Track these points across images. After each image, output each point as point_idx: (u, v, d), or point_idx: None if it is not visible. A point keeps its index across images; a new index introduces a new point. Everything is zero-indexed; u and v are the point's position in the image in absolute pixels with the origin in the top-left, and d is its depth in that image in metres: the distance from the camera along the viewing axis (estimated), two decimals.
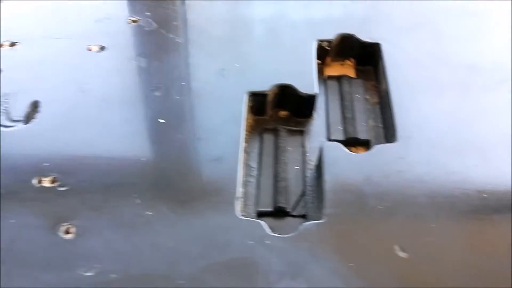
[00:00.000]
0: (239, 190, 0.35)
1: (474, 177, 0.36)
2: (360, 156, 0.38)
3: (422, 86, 0.43)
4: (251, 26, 0.48)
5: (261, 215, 0.37)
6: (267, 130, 0.43)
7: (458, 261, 0.32)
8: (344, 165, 0.37)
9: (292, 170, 0.40)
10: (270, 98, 0.43)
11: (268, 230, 0.33)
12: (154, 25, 0.47)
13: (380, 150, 0.38)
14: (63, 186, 0.34)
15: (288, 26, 0.48)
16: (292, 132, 0.42)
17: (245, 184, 0.39)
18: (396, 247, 0.32)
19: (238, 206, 0.34)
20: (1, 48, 0.43)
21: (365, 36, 0.47)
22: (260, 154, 0.41)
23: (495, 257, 0.32)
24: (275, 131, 0.42)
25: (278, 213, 0.37)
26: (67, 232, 0.32)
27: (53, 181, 0.35)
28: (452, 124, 0.40)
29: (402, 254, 0.32)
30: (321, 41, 0.47)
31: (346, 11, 0.51)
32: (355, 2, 0.52)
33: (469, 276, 0.31)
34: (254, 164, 0.40)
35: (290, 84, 0.42)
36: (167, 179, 0.36)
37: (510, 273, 0.31)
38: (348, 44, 0.48)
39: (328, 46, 0.47)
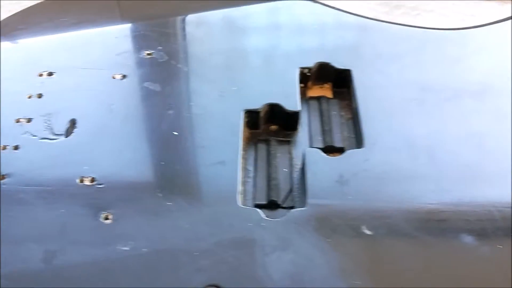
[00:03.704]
0: (240, 187, 0.44)
1: (422, 174, 0.46)
2: (334, 158, 0.48)
3: (384, 103, 0.53)
4: (245, 56, 0.58)
5: (257, 207, 0.45)
6: (260, 141, 0.52)
7: (413, 241, 0.41)
8: (321, 165, 0.46)
9: (282, 172, 0.49)
10: (262, 114, 0.52)
11: (263, 216, 0.42)
12: (166, 57, 0.57)
13: (350, 154, 0.48)
14: (100, 184, 0.43)
15: (276, 56, 0.59)
16: (281, 142, 0.52)
17: (244, 183, 0.48)
18: (363, 227, 0.42)
19: (239, 199, 0.43)
20: (41, 77, 0.53)
21: (339, 63, 0.58)
22: (256, 160, 0.50)
23: None
24: (267, 142, 0.52)
25: (271, 205, 0.46)
26: (106, 218, 0.41)
27: (92, 180, 0.44)
28: (407, 133, 0.50)
29: (368, 232, 0.41)
30: (303, 68, 0.57)
31: (324, 42, 0.61)
32: (333, 36, 0.62)
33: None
34: (251, 167, 0.49)
35: (278, 103, 0.52)
36: (181, 178, 0.45)
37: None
38: (325, 71, 0.58)
39: (309, 72, 0.58)
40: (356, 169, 0.46)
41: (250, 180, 0.48)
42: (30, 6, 0.66)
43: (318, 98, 0.57)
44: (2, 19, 0.64)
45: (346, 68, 0.57)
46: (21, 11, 0.66)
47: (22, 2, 0.69)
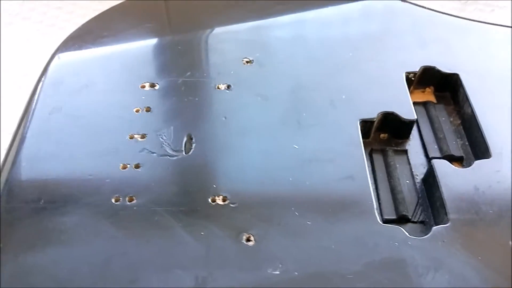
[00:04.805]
0: (375, 203, 0.43)
1: None
2: (464, 170, 0.46)
3: (500, 109, 0.51)
4: (344, 60, 0.56)
5: (386, 222, 0.44)
6: (375, 150, 0.50)
7: None
8: (454, 178, 0.45)
9: (405, 183, 0.47)
10: (376, 123, 0.50)
11: (407, 234, 0.41)
12: (266, 64, 0.54)
13: (479, 165, 0.46)
14: (233, 203, 0.42)
15: (377, 60, 0.56)
16: (398, 152, 0.50)
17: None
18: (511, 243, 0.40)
19: (378, 215, 0.42)
20: (144, 88, 0.51)
21: (443, 67, 0.56)
22: (374, 171, 0.49)
23: None
24: (382, 151, 0.50)
25: (401, 220, 0.44)
26: (248, 240, 0.39)
27: (224, 200, 0.42)
28: None
29: None
30: (408, 72, 0.55)
31: (422, 44, 0.59)
32: (430, 37, 0.60)
33: None
34: (371, 179, 0.48)
35: (393, 112, 0.50)
36: (313, 194, 0.43)
37: None
38: (430, 75, 0.56)
39: (413, 77, 0.56)
40: (489, 181, 0.44)
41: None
42: (108, 10, 0.64)
43: (424, 104, 0.55)
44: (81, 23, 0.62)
45: (453, 72, 0.55)
46: (99, 15, 0.63)
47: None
